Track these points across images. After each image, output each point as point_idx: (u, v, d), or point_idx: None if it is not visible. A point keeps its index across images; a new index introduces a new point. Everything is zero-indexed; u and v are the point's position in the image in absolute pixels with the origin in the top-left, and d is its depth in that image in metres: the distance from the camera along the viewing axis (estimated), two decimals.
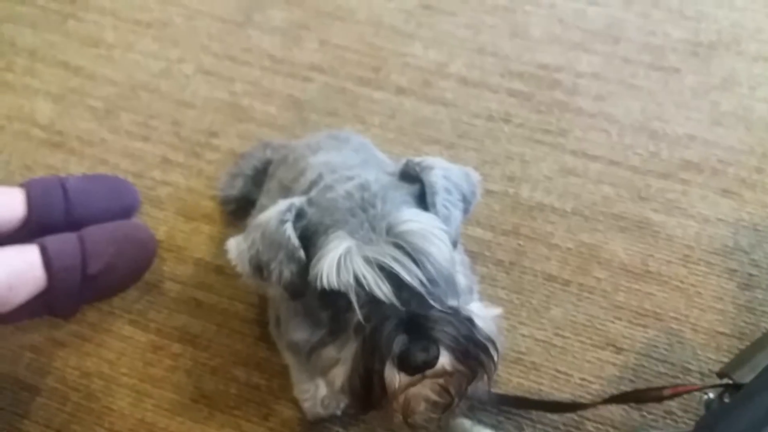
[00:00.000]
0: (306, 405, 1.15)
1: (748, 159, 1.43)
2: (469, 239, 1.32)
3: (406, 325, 0.73)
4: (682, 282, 1.28)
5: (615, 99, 1.54)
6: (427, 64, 1.61)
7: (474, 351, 0.76)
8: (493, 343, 0.78)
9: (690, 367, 1.19)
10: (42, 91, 1.61)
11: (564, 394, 1.18)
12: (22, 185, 1.32)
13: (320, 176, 0.94)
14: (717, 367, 0.98)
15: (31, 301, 1.21)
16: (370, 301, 0.74)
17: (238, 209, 1.34)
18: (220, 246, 1.36)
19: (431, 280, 0.76)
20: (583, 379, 1.19)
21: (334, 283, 0.74)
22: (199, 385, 1.21)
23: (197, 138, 1.52)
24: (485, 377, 0.79)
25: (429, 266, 0.76)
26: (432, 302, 0.75)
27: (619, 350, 1.21)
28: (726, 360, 1.01)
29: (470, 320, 0.77)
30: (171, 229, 1.39)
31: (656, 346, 1.22)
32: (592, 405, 1.09)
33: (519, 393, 1.17)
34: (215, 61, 1.64)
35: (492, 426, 1.10)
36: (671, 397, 0.99)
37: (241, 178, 1.35)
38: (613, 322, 1.24)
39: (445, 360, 0.74)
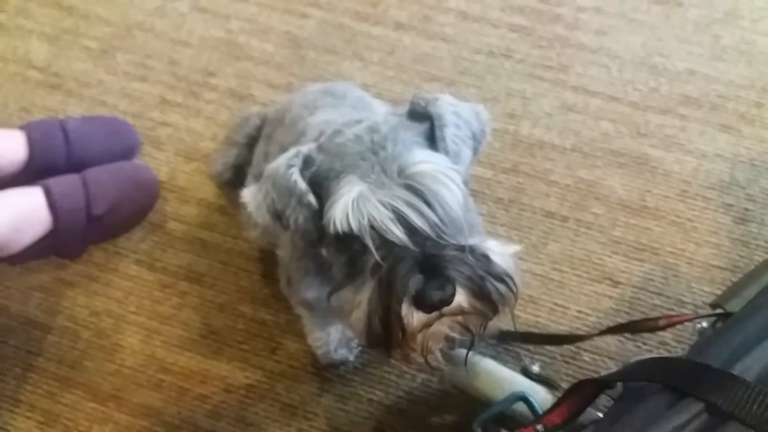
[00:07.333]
0: (319, 352, 1.18)
1: (747, 94, 1.43)
2: (469, 177, 1.33)
3: (421, 265, 0.73)
4: (678, 217, 1.30)
5: (616, 34, 1.52)
6: None
7: (491, 288, 0.76)
8: (511, 278, 0.78)
9: (684, 299, 1.22)
10: (36, 32, 1.59)
11: (561, 327, 1.21)
12: (22, 128, 1.31)
13: (322, 134, 0.90)
14: (711, 300, 1.00)
15: (37, 243, 1.22)
16: (385, 243, 0.75)
17: (235, 178, 1.31)
18: (222, 186, 1.37)
19: (444, 221, 0.76)
20: (579, 312, 1.22)
21: (347, 227, 0.75)
22: (207, 321, 1.25)
23: (195, 77, 1.51)
24: (504, 314, 0.80)
25: (442, 207, 0.76)
26: (447, 241, 0.75)
27: (615, 284, 1.24)
28: (720, 292, 1.03)
29: (486, 257, 0.77)
30: (172, 170, 1.40)
31: (652, 280, 1.25)
32: (590, 336, 1.12)
33: (517, 326, 1.20)
34: None
35: (491, 357, 1.13)
36: (666, 327, 1.01)
37: (235, 147, 1.31)
38: (610, 257, 1.27)
39: (461, 298, 0.75)
